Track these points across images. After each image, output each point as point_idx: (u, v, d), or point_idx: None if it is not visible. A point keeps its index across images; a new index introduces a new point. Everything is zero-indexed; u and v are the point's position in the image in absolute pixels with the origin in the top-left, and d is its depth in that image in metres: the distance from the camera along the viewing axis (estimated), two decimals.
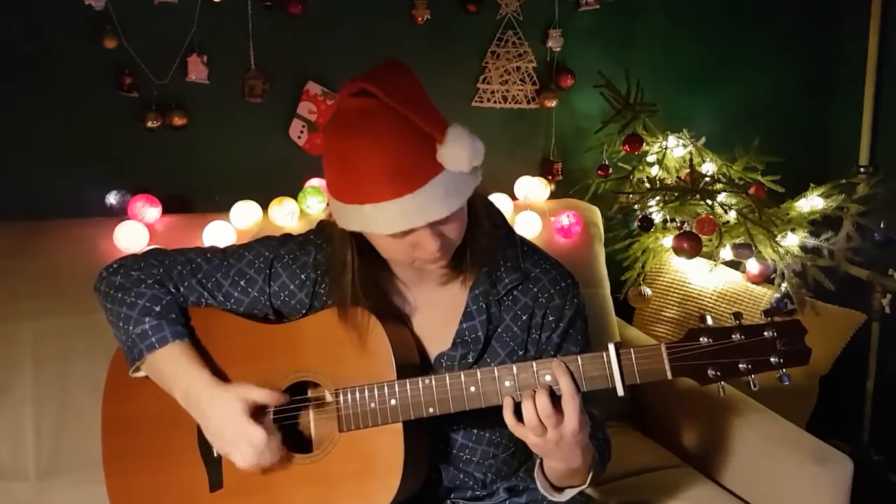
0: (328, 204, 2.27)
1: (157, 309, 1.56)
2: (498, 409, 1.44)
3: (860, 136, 2.97)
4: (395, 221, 1.37)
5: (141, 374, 1.59)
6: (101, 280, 1.63)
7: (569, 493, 1.56)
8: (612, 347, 1.41)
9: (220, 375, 1.56)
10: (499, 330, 1.59)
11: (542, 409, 1.39)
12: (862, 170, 2.93)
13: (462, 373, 1.46)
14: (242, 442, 1.49)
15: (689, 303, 2.69)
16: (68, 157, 2.37)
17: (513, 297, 1.59)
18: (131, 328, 1.55)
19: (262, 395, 1.52)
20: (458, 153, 1.37)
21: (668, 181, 2.66)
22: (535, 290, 1.60)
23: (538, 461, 1.55)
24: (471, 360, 1.58)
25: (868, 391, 2.91)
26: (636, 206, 2.66)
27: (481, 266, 1.57)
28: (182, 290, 1.61)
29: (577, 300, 1.62)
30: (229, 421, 1.49)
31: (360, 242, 1.50)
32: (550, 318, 1.60)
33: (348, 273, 1.51)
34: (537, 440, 1.42)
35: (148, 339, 1.54)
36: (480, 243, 1.53)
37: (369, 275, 1.53)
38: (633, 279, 2.75)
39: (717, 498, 2.01)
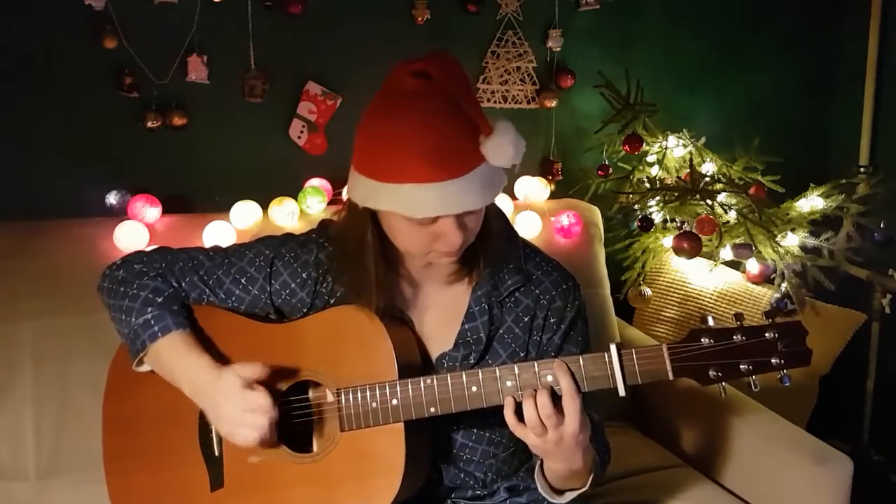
0: (330, 203, 2.27)
1: (160, 300, 1.56)
2: (499, 409, 1.45)
3: (860, 136, 2.97)
4: (432, 205, 1.37)
5: (144, 367, 1.59)
6: (105, 277, 1.64)
7: (569, 496, 1.56)
8: (613, 348, 1.41)
9: None
10: (500, 331, 1.59)
11: (543, 408, 1.39)
12: (862, 170, 2.93)
13: (464, 373, 1.47)
14: (246, 413, 1.47)
15: (689, 303, 2.69)
16: (68, 157, 2.37)
17: (514, 298, 1.60)
18: (133, 319, 1.55)
19: (248, 369, 1.50)
20: (505, 148, 1.37)
21: (668, 181, 2.66)
22: (537, 291, 1.60)
23: (538, 462, 1.55)
24: (472, 360, 1.58)
25: (868, 391, 2.91)
26: (636, 206, 2.66)
27: (487, 267, 1.57)
28: (184, 285, 1.61)
29: (578, 302, 1.63)
30: (229, 395, 1.48)
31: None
32: (552, 320, 1.60)
33: (370, 257, 1.50)
34: (537, 440, 1.42)
35: (150, 329, 1.53)
36: (491, 243, 1.54)
37: (385, 269, 1.53)
38: (633, 279, 2.75)
39: (717, 498, 2.01)
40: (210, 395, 1.51)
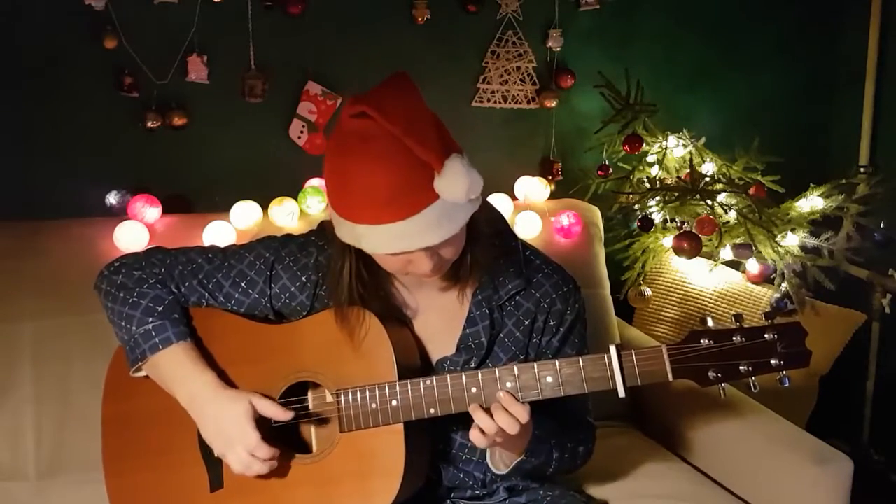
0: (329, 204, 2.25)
1: (160, 309, 1.56)
2: None
3: (860, 136, 2.96)
4: (388, 244, 1.38)
5: (141, 373, 1.59)
6: (103, 279, 1.63)
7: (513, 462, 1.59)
8: (613, 349, 1.41)
9: (222, 376, 1.56)
10: (501, 335, 1.60)
11: (501, 422, 1.44)
12: (862, 170, 2.92)
13: (463, 374, 1.47)
14: (240, 444, 1.49)
15: (689, 303, 2.69)
16: (68, 157, 2.37)
17: (515, 302, 1.60)
18: (134, 328, 1.55)
19: (271, 409, 1.52)
20: (455, 186, 1.35)
21: (668, 181, 2.66)
22: (538, 295, 1.60)
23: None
24: (473, 365, 1.59)
25: (868, 391, 2.91)
26: (636, 206, 2.66)
27: (480, 276, 1.57)
28: (183, 290, 1.61)
29: (578, 305, 1.63)
30: (233, 421, 1.50)
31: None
32: (552, 323, 1.61)
33: (346, 276, 1.52)
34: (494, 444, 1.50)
35: (151, 340, 1.54)
36: (477, 258, 1.53)
37: (370, 277, 1.53)
38: (633, 279, 2.75)
39: (718, 498, 2.00)
40: (215, 413, 1.51)
